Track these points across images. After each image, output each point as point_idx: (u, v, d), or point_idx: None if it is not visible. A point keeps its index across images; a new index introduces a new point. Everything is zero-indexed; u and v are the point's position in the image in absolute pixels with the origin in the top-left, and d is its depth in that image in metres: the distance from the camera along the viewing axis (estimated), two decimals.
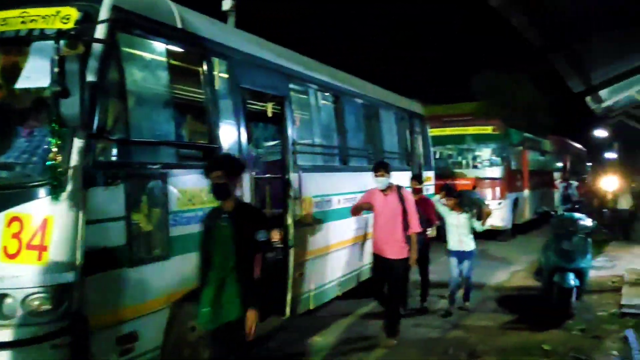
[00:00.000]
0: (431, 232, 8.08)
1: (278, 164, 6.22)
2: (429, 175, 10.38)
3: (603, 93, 8.96)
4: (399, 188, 5.90)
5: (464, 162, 14.55)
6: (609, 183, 17.23)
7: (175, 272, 3.94)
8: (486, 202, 11.69)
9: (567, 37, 4.76)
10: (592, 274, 8.08)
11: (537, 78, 26.87)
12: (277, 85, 5.73)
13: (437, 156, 13.86)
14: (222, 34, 5.03)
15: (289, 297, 5.50)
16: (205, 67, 4.52)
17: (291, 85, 5.94)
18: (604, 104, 10.34)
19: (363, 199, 6.11)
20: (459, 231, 6.95)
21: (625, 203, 14.07)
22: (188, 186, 4.12)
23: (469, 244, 7.01)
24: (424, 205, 7.04)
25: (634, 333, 5.86)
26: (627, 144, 25.18)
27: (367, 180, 6.25)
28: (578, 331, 6.16)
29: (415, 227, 5.84)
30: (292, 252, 5.48)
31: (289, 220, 5.53)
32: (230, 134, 4.76)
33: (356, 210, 6.20)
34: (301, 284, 5.74)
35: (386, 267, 5.85)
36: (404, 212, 5.79)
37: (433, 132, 12.58)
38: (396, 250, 5.78)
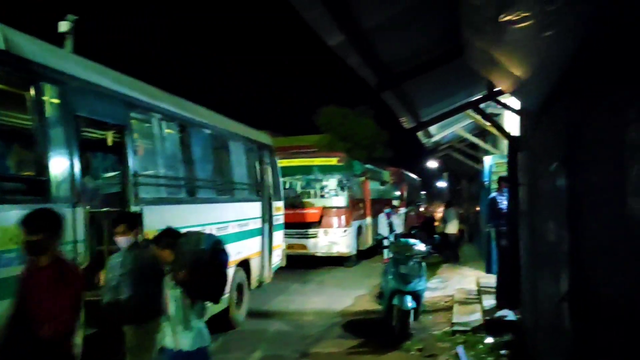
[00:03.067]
0: None
1: (118, 196, 5.86)
2: (278, 205, 10.52)
3: (432, 129, 9.90)
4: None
5: (311, 191, 15.03)
6: (439, 210, 18.85)
7: None
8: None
9: (396, 77, 5.18)
10: (427, 295, 8.73)
11: (377, 113, 28.93)
12: (116, 114, 5.43)
13: (287, 186, 14.16)
14: (54, 58, 4.67)
15: None
16: (33, 92, 4.14)
17: (132, 114, 5.68)
18: (433, 139, 11.45)
19: None
20: (174, 311, 3.75)
21: (452, 228, 15.47)
22: (10, 223, 3.70)
23: (186, 338, 3.71)
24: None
25: (463, 349, 6.37)
26: (454, 175, 27.90)
27: (217, 212, 6.14)
28: (416, 351, 6.58)
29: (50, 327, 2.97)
30: None
31: None
32: (62, 165, 4.39)
33: None
34: None
35: None
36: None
37: (282, 163, 12.87)
38: None
